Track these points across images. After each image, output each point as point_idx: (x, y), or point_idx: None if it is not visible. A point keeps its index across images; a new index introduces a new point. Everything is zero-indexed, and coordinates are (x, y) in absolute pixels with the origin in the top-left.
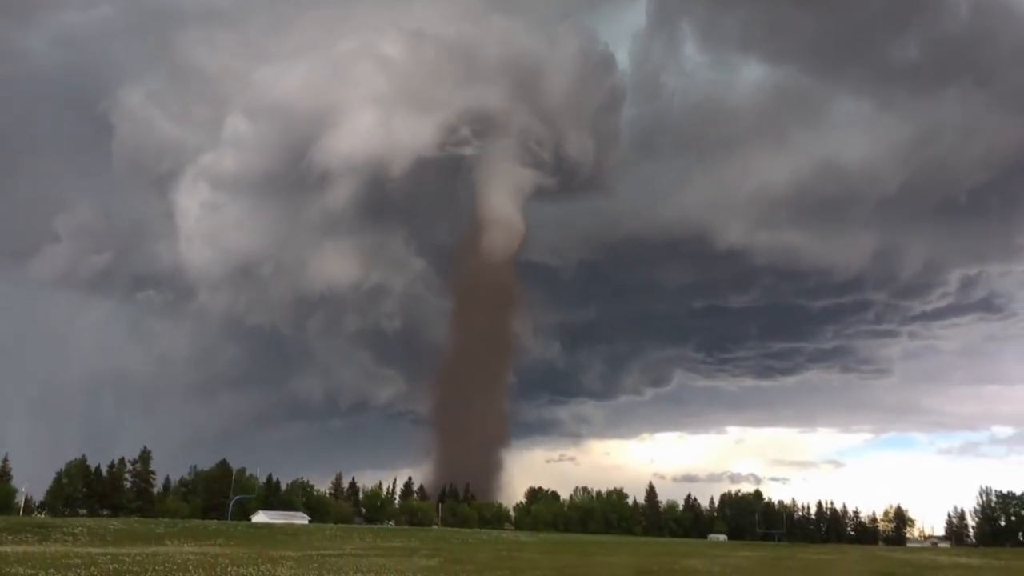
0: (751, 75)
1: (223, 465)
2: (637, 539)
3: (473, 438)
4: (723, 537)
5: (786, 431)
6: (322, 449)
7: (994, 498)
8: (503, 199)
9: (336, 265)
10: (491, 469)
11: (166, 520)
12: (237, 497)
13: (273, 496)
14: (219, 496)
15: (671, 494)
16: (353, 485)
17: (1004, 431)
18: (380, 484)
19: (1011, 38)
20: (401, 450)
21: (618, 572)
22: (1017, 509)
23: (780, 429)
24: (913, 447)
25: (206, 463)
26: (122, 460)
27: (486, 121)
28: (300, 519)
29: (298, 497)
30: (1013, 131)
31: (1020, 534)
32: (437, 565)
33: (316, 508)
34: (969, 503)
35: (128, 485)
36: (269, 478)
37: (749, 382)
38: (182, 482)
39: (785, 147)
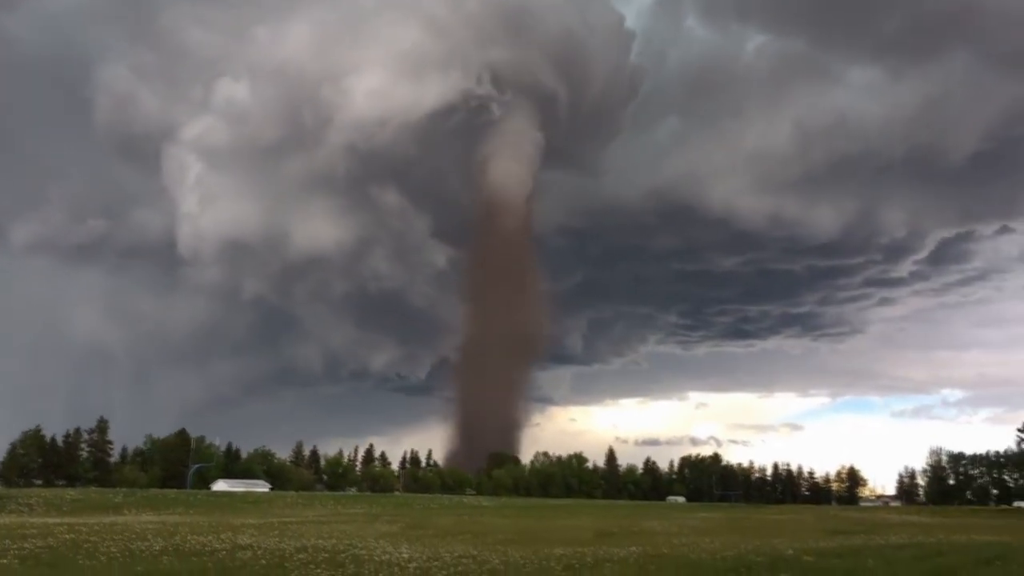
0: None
1: (181, 434)
2: (597, 502)
3: (494, 402)
4: (681, 499)
5: (746, 395)
6: (289, 418)
7: (944, 458)
8: (516, 163)
9: (324, 228)
10: (512, 430)
11: (124, 489)
12: (196, 466)
13: (233, 464)
14: (178, 465)
15: (633, 458)
16: (315, 453)
17: (955, 394)
18: (341, 451)
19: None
20: (370, 416)
21: (578, 535)
22: (966, 468)
23: (741, 394)
24: (869, 410)
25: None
26: (78, 430)
27: (508, 80)
28: (261, 487)
29: (259, 465)
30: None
31: (968, 493)
32: (399, 531)
33: (277, 476)
34: (920, 464)
35: (85, 455)
36: (229, 447)
37: (711, 348)
38: (138, 452)
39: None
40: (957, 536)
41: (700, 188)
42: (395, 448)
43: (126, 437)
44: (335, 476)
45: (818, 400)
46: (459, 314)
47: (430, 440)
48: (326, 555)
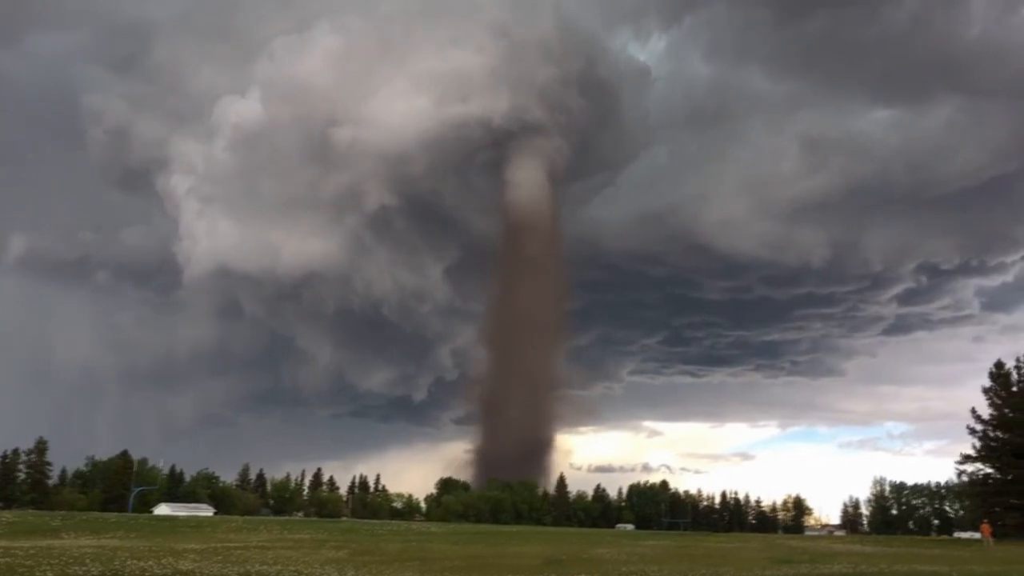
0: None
1: (123, 456)
2: (547, 529)
3: (520, 423)
4: (630, 527)
5: (699, 425)
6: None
7: (887, 488)
8: (536, 175)
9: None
10: (539, 452)
11: (62, 512)
12: (138, 489)
13: (176, 488)
14: (119, 488)
15: (587, 485)
16: (261, 477)
17: (899, 427)
18: (288, 476)
19: None
20: (318, 442)
21: (527, 562)
22: (908, 499)
23: (693, 424)
24: (817, 440)
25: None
26: (16, 451)
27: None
28: (205, 511)
29: (203, 489)
30: None
31: (910, 523)
32: (345, 557)
33: (222, 500)
34: (865, 494)
35: (22, 476)
36: (172, 469)
37: (666, 379)
38: (78, 474)
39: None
40: (899, 566)
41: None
42: (347, 474)
43: (67, 458)
44: (282, 500)
45: (768, 431)
46: (481, 337)
47: (382, 466)
48: None
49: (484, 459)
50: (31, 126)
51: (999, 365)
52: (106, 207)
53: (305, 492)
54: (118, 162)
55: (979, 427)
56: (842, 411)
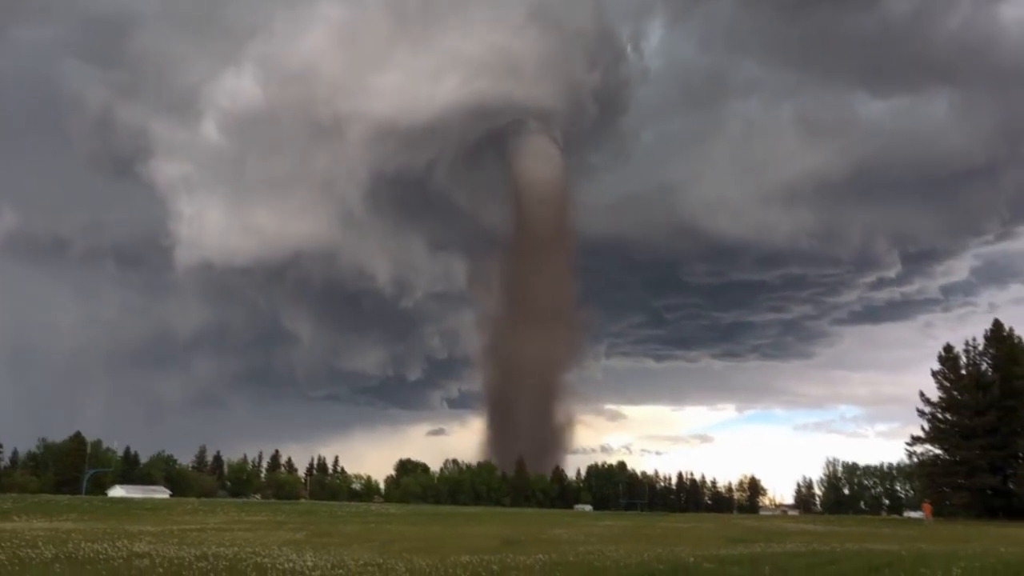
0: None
1: (77, 438)
2: (505, 510)
3: (534, 405)
4: (588, 507)
5: (660, 408)
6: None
7: (840, 469)
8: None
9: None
10: (556, 436)
11: (13, 495)
12: (92, 471)
13: (132, 470)
14: (72, 470)
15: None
16: (218, 459)
17: (852, 410)
18: (246, 457)
19: None
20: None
21: (485, 542)
22: (860, 479)
23: (654, 407)
24: (774, 422)
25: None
26: None
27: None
28: (160, 493)
29: (159, 471)
30: None
31: (862, 502)
32: (303, 538)
33: (178, 482)
34: (818, 474)
35: None
36: (127, 451)
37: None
38: (31, 456)
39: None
40: (850, 544)
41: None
42: (305, 457)
43: (18, 441)
44: (239, 483)
45: (726, 413)
46: (492, 319)
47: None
48: (227, 563)
49: (498, 442)
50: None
51: (948, 348)
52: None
53: (263, 474)
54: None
55: (928, 409)
56: (798, 395)
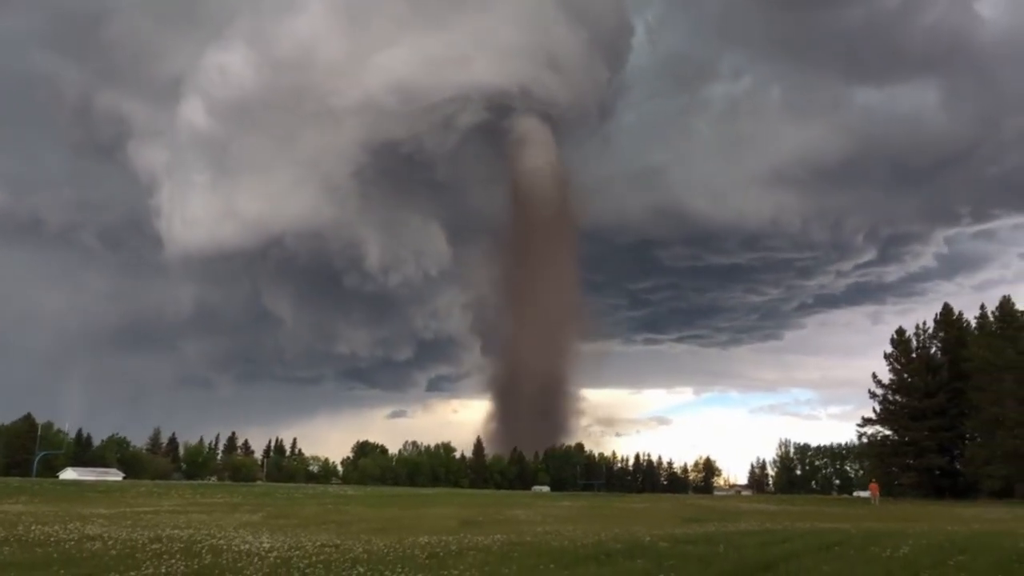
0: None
1: (27, 419)
2: (463, 491)
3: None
4: (546, 488)
5: (618, 391)
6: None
7: (792, 449)
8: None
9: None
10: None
11: None
12: (42, 453)
13: (84, 452)
14: (23, 452)
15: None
16: (173, 441)
17: (805, 393)
18: (202, 439)
19: None
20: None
21: (444, 523)
22: (811, 460)
23: (613, 390)
24: (730, 405)
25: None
26: None
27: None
28: (113, 476)
29: (112, 453)
30: None
31: (813, 482)
32: (260, 520)
33: (132, 465)
34: (771, 455)
35: None
36: (79, 433)
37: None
38: None
39: None
40: (801, 523)
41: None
42: (264, 440)
43: None
44: (195, 465)
45: (684, 396)
46: (500, 297)
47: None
48: (181, 545)
49: (504, 428)
50: None
51: (900, 332)
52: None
53: (219, 456)
54: None
55: (879, 392)
56: (753, 379)
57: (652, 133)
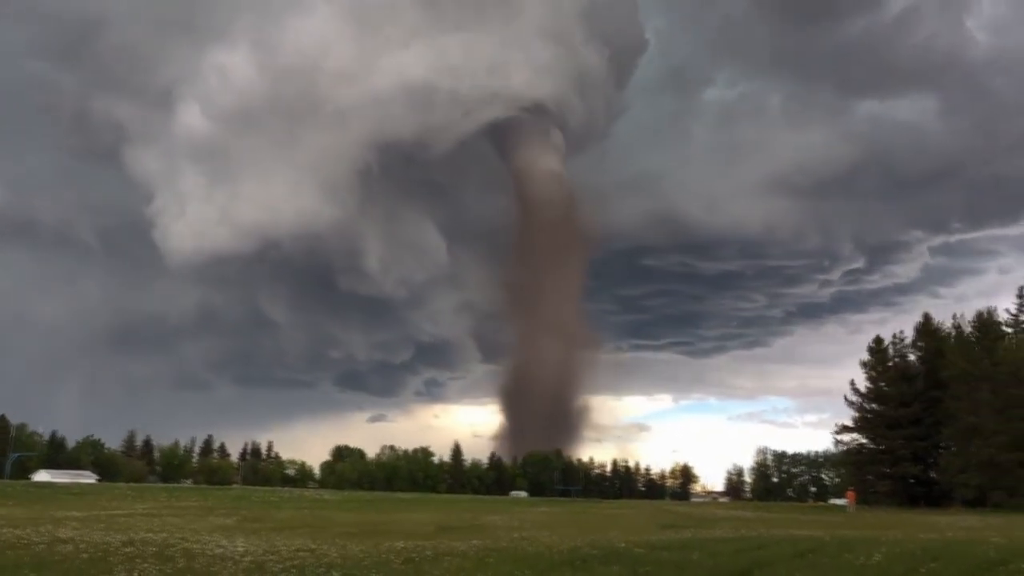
0: None
1: (1, 421)
2: (441, 496)
3: (549, 389)
4: (524, 494)
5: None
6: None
7: (769, 457)
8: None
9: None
10: (573, 419)
11: None
12: (16, 455)
13: (58, 454)
14: None
15: (484, 454)
16: (148, 443)
17: (782, 402)
18: (178, 442)
19: None
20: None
21: (420, 528)
22: (788, 467)
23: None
24: (708, 412)
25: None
26: None
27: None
28: (87, 478)
29: (86, 455)
30: None
31: (790, 490)
32: (235, 524)
33: (106, 467)
34: (749, 462)
35: None
36: (53, 435)
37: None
38: None
39: None
40: (777, 530)
41: None
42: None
43: None
44: (170, 468)
45: (662, 403)
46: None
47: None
48: (155, 549)
49: (514, 431)
50: None
51: (878, 341)
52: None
53: (195, 459)
54: None
55: (856, 400)
56: (731, 387)
57: (649, 141)
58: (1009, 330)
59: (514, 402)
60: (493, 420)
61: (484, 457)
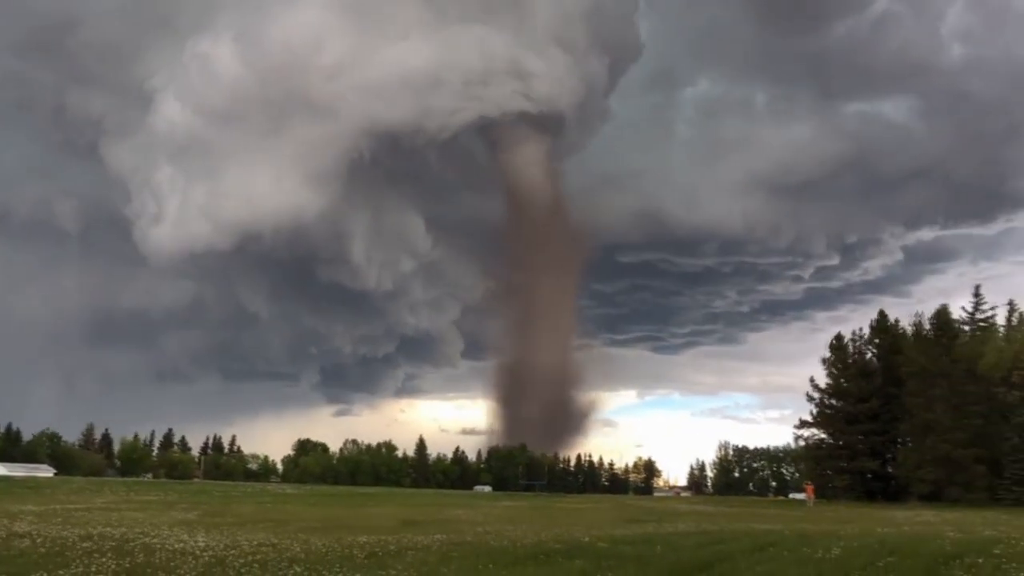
0: None
1: None
2: (405, 491)
3: (546, 387)
4: (488, 488)
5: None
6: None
7: (731, 452)
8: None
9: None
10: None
11: None
12: None
13: (13, 447)
14: None
15: (449, 448)
16: (107, 436)
17: (745, 398)
18: (137, 436)
19: None
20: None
21: (384, 523)
22: (749, 462)
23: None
24: (672, 407)
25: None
26: None
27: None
28: (44, 472)
29: (43, 449)
30: None
31: (751, 484)
32: (195, 519)
33: (64, 461)
34: (711, 457)
35: None
36: (9, 428)
37: None
38: None
39: None
40: (737, 524)
41: None
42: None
43: None
44: (130, 462)
45: (627, 398)
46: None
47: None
48: (113, 544)
49: (510, 426)
50: None
51: (839, 338)
52: None
53: (155, 453)
54: None
55: (816, 395)
56: (694, 383)
57: (631, 140)
58: (966, 328)
59: (509, 398)
60: (466, 415)
61: (449, 452)
